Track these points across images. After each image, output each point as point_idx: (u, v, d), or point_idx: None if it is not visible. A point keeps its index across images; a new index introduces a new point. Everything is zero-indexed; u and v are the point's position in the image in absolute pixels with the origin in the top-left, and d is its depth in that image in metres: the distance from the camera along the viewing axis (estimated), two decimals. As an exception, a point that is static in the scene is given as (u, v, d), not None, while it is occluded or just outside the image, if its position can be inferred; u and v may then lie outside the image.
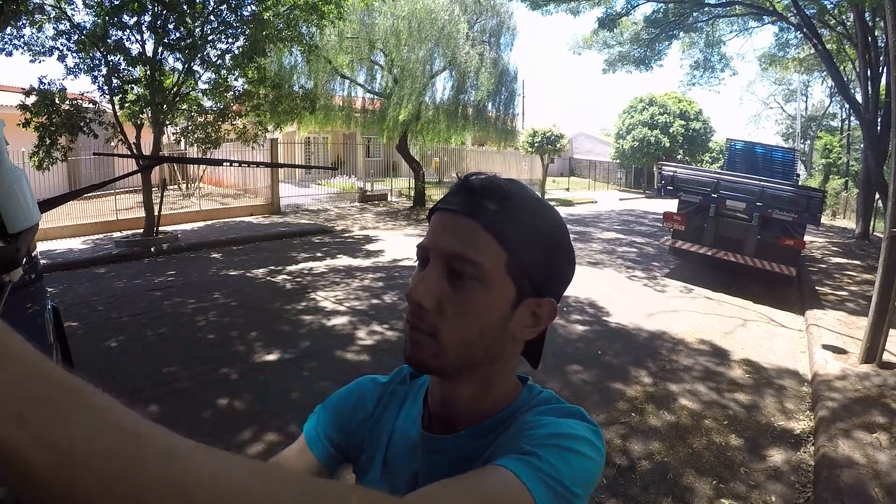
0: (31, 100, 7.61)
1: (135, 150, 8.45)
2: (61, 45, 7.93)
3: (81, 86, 19.50)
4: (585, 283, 7.02)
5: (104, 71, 8.10)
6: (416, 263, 0.61)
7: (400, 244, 9.49)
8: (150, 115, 8.34)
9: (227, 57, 8.93)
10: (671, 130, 25.93)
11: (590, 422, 0.59)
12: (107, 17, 7.74)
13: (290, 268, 7.43)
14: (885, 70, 10.99)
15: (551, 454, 0.50)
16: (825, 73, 18.45)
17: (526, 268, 0.57)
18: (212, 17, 8.57)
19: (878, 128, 11.10)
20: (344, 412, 0.72)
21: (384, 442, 0.69)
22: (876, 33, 11.66)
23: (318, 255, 8.43)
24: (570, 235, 0.62)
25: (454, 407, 0.62)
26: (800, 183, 10.21)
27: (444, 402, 0.63)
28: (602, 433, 0.59)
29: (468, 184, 0.59)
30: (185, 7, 8.04)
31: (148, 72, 8.14)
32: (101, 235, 9.52)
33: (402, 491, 0.65)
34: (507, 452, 0.52)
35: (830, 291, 7.03)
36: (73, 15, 8.09)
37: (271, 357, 4.22)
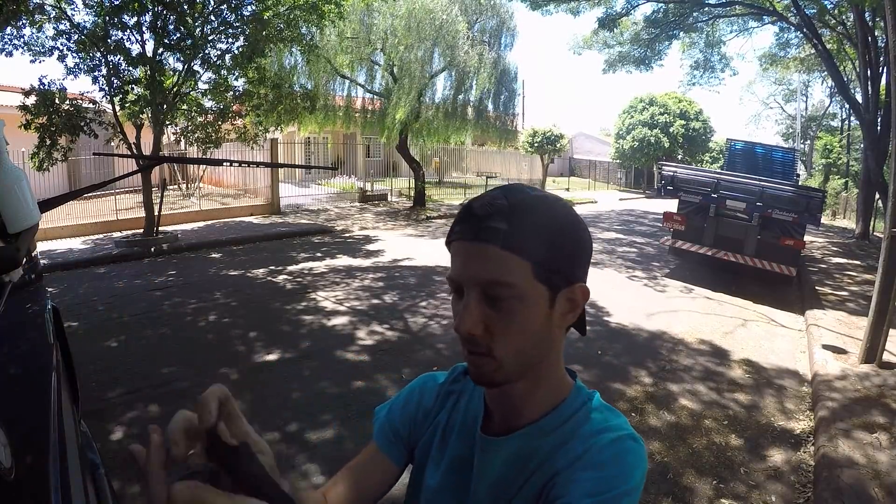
0: (31, 100, 7.61)
1: (135, 150, 8.45)
2: (61, 45, 7.93)
3: (81, 86, 19.55)
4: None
5: (104, 71, 8.10)
6: (450, 295, 0.65)
7: (400, 244, 9.50)
8: (150, 115, 8.34)
9: (227, 57, 8.93)
10: (671, 130, 25.93)
11: (636, 439, 0.61)
12: (107, 17, 7.74)
13: (290, 268, 7.43)
14: (885, 70, 11.00)
15: None
16: (825, 73, 18.46)
17: (551, 268, 0.60)
18: (212, 17, 8.57)
19: (878, 128, 11.10)
20: (410, 411, 0.78)
21: (437, 437, 0.74)
22: (876, 33, 11.66)
23: (318, 255, 8.43)
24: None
25: (511, 400, 0.67)
26: (800, 183, 10.21)
27: (501, 394, 0.67)
28: (644, 445, 0.63)
29: (472, 211, 0.62)
30: (185, 7, 8.04)
31: (148, 72, 8.14)
32: (101, 235, 9.51)
33: (440, 473, 0.71)
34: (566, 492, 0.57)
35: (830, 291, 7.03)
36: (73, 15, 8.10)
37: (271, 357, 4.22)
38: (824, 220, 12.57)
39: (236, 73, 9.20)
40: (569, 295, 0.63)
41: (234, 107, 9.57)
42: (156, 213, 8.87)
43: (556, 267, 0.60)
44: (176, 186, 14.70)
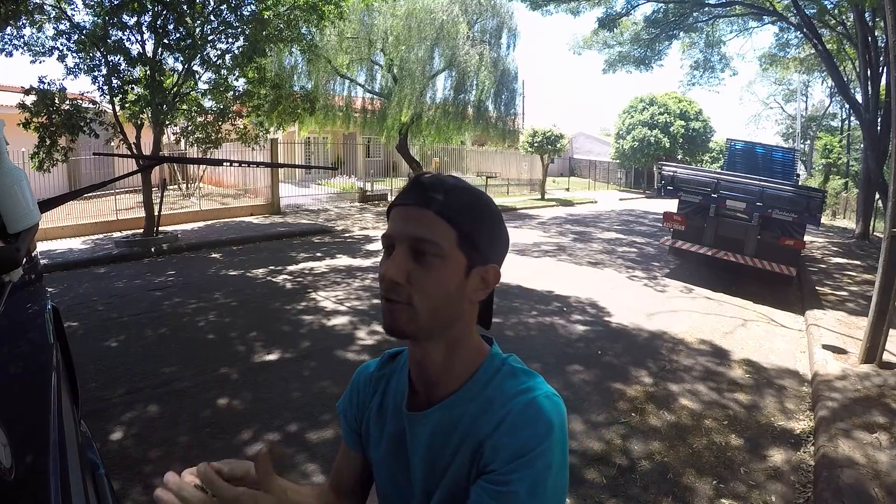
0: (31, 99, 7.60)
1: (135, 150, 8.44)
2: (61, 45, 7.93)
3: (81, 86, 19.54)
4: (586, 283, 7.02)
5: (104, 71, 8.10)
6: (382, 251, 0.73)
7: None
8: (150, 115, 8.34)
9: (227, 57, 8.93)
10: (671, 130, 25.94)
11: (549, 396, 0.67)
12: (107, 17, 7.74)
13: (290, 268, 7.43)
14: (885, 70, 10.99)
15: (522, 483, 0.61)
16: (825, 73, 18.45)
17: (473, 240, 0.69)
18: (212, 17, 8.57)
19: (878, 128, 11.10)
20: (354, 402, 0.85)
21: (373, 418, 0.81)
22: (876, 33, 11.67)
23: (318, 254, 8.43)
24: (505, 221, 0.76)
25: (429, 370, 0.73)
26: (800, 183, 10.20)
27: (419, 366, 0.74)
28: (561, 398, 0.69)
29: (419, 181, 0.71)
30: (185, 7, 8.04)
31: (148, 72, 8.14)
32: (101, 235, 9.51)
33: (382, 451, 0.78)
34: (481, 458, 0.66)
35: (830, 291, 7.03)
36: (73, 15, 8.11)
37: (271, 357, 4.22)
38: (824, 220, 12.57)
39: (236, 74, 9.20)
40: (482, 273, 0.71)
41: (234, 107, 9.57)
42: (156, 213, 8.87)
43: (476, 242, 0.69)
44: (176, 186, 14.70)
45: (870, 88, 11.37)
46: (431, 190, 0.70)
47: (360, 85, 14.41)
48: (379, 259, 6.32)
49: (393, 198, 0.74)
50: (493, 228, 0.72)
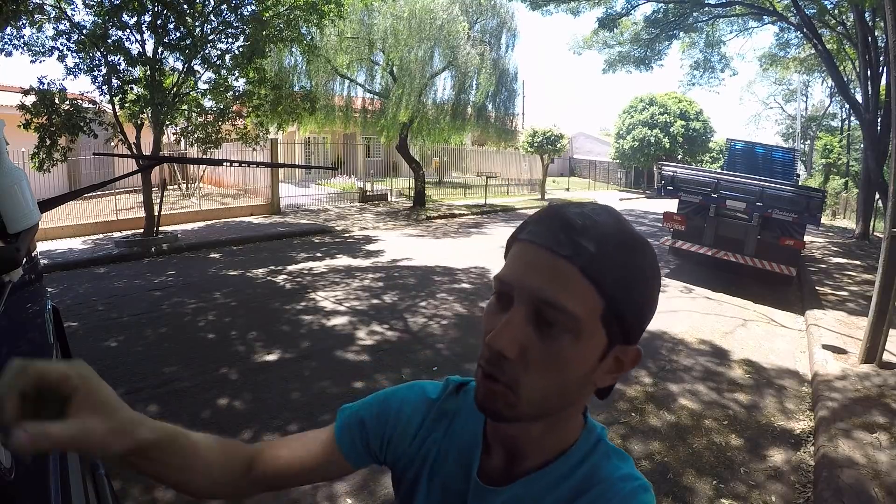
0: (31, 99, 7.60)
1: (135, 150, 8.44)
2: (61, 45, 7.92)
3: (81, 86, 19.55)
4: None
5: (104, 71, 8.09)
6: (492, 296, 0.55)
7: (400, 244, 9.49)
8: (150, 115, 8.34)
9: (227, 57, 8.93)
10: (671, 130, 25.93)
11: (648, 489, 0.57)
12: (107, 17, 7.73)
13: (290, 268, 7.43)
14: (885, 70, 10.99)
15: None
16: (825, 73, 18.46)
17: (622, 317, 0.52)
18: (212, 17, 8.56)
19: (878, 128, 11.10)
20: (389, 424, 0.68)
21: (429, 462, 0.66)
22: (876, 33, 11.67)
23: (318, 255, 8.43)
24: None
25: (516, 444, 0.60)
26: (800, 183, 10.21)
27: (508, 438, 0.60)
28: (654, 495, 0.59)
29: (565, 217, 0.52)
30: (185, 7, 8.03)
31: (148, 72, 8.14)
32: (101, 235, 9.51)
33: (427, 500, 0.65)
34: None
35: (830, 291, 7.03)
36: (73, 15, 8.09)
37: (271, 357, 4.22)
38: (824, 220, 12.57)
39: (236, 73, 9.20)
40: (620, 354, 0.55)
41: (234, 107, 9.57)
42: (156, 213, 8.87)
43: (626, 319, 0.53)
44: (176, 186, 14.70)
45: (870, 88, 11.37)
46: (581, 234, 0.51)
47: (359, 85, 14.41)
48: (379, 258, 6.30)
49: (518, 227, 0.56)
50: (649, 301, 0.54)
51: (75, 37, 7.97)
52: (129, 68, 8.28)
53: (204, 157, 9.60)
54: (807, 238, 8.46)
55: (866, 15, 11.11)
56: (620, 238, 0.52)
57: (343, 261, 7.98)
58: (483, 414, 0.55)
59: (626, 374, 0.63)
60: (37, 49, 7.90)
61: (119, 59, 8.13)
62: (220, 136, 9.37)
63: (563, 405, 0.55)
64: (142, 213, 9.08)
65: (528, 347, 0.51)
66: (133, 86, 8.38)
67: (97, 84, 8.18)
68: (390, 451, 0.68)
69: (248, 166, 12.26)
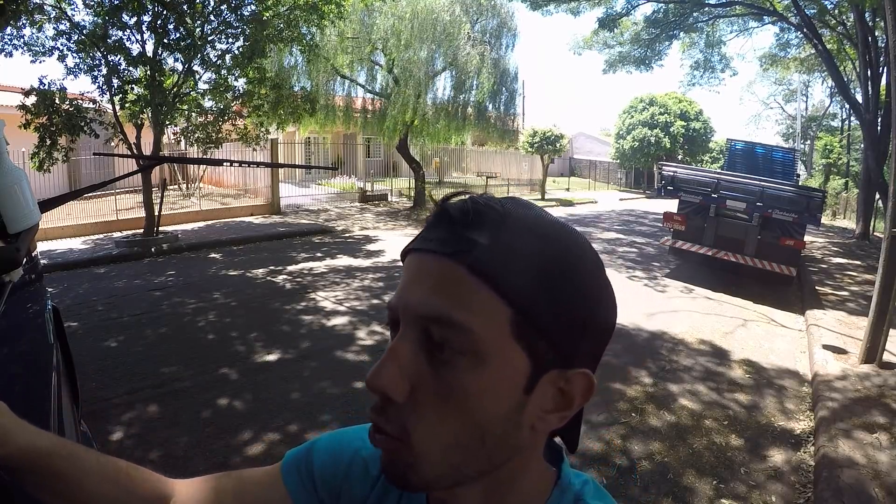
0: (31, 100, 7.60)
1: (135, 150, 8.44)
2: (61, 45, 7.93)
3: (81, 86, 19.55)
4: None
5: (104, 71, 8.10)
6: (386, 329, 0.45)
7: (400, 244, 9.45)
8: (150, 115, 8.34)
9: (227, 57, 8.93)
10: (671, 130, 25.93)
11: None
12: (107, 17, 7.74)
13: (290, 268, 7.43)
14: (885, 70, 10.99)
15: None
16: (825, 73, 18.46)
17: (543, 327, 0.38)
18: (212, 17, 8.57)
19: (878, 128, 11.10)
20: (337, 471, 0.55)
21: None
22: (876, 33, 11.67)
23: (318, 255, 8.43)
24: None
25: None
26: (800, 183, 10.21)
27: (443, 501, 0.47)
28: None
29: (449, 210, 0.40)
30: (185, 7, 8.04)
31: (148, 72, 8.14)
32: (101, 235, 9.51)
33: None
34: None
35: (830, 291, 7.03)
36: (73, 15, 8.10)
37: (271, 357, 4.22)
38: (824, 220, 12.55)
39: (236, 73, 9.20)
40: (560, 383, 0.40)
41: (235, 107, 9.57)
42: (156, 213, 8.87)
43: (550, 328, 0.38)
44: (176, 186, 14.70)
45: (870, 88, 11.37)
46: (467, 225, 0.39)
47: (360, 85, 14.42)
48: (379, 258, 6.31)
49: (416, 234, 0.44)
50: (589, 299, 0.40)
51: (75, 37, 7.98)
52: (130, 68, 8.28)
53: (204, 157, 9.60)
54: (807, 238, 8.46)
55: (866, 15, 11.11)
56: (525, 224, 0.39)
57: (343, 261, 7.98)
58: (392, 484, 0.41)
59: (585, 403, 0.42)
60: (37, 49, 7.90)
61: (119, 60, 8.14)
62: (220, 136, 9.37)
63: (489, 462, 0.40)
64: (142, 213, 9.08)
65: (419, 382, 0.38)
66: (133, 86, 8.38)
67: (97, 84, 8.19)
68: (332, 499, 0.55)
69: (248, 166, 12.26)
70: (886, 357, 4.27)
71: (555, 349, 0.39)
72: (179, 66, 8.78)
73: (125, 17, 7.95)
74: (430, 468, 0.39)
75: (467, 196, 0.42)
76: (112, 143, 8.54)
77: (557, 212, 16.35)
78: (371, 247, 9.24)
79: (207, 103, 9.42)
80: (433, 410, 0.38)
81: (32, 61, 7.93)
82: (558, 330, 0.39)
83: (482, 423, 0.38)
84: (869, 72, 11.40)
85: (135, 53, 8.16)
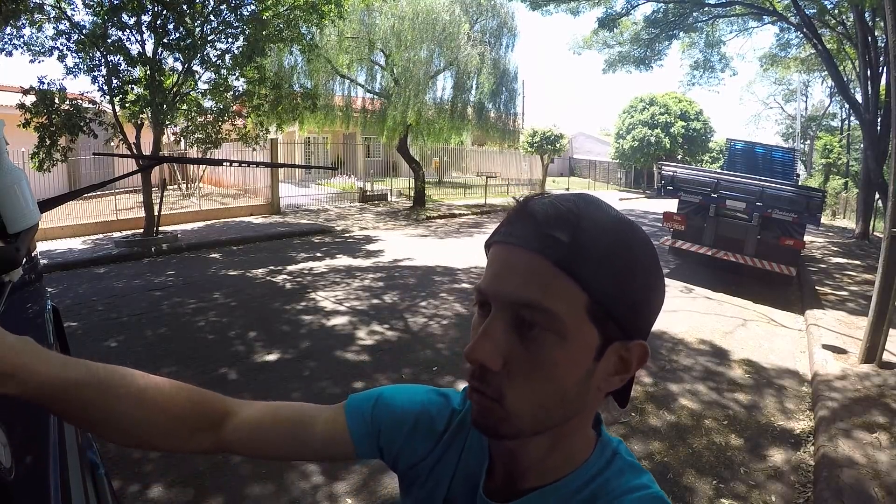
0: (30, 99, 7.60)
1: (135, 150, 8.44)
2: (61, 45, 7.92)
3: (81, 86, 19.53)
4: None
5: (104, 71, 8.10)
6: (474, 308, 0.52)
7: (400, 244, 9.49)
8: (149, 115, 8.34)
9: (227, 57, 8.93)
10: (671, 130, 25.94)
11: (660, 494, 0.52)
12: (106, 17, 7.74)
13: (290, 268, 7.43)
14: (885, 70, 10.99)
15: None
16: (825, 73, 18.45)
17: (611, 309, 0.47)
18: (212, 17, 8.56)
19: (878, 128, 11.10)
20: (403, 424, 0.64)
21: (445, 485, 0.62)
22: (876, 33, 11.67)
23: (318, 255, 8.43)
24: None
25: (520, 463, 0.55)
26: (800, 183, 10.21)
27: (508, 455, 0.56)
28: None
29: (529, 209, 0.49)
30: (185, 7, 8.03)
31: (148, 72, 8.14)
32: (101, 235, 9.52)
33: None
34: None
35: (830, 291, 7.03)
36: (73, 15, 8.10)
37: (271, 357, 4.22)
38: (824, 220, 12.58)
39: (236, 73, 9.20)
40: (622, 352, 0.51)
41: (234, 107, 9.57)
42: (156, 213, 8.87)
43: (618, 311, 0.48)
44: (176, 186, 14.70)
45: (870, 88, 11.37)
46: (549, 225, 0.47)
47: (360, 85, 14.42)
48: (379, 258, 6.31)
49: (493, 231, 0.53)
50: (646, 288, 0.50)
51: (75, 37, 7.97)
52: (129, 68, 8.28)
53: (204, 157, 9.60)
54: (807, 238, 8.46)
55: (866, 15, 11.11)
56: (599, 224, 0.47)
57: (343, 261, 7.98)
58: (481, 432, 0.52)
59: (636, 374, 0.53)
60: (37, 49, 7.90)
61: (119, 60, 8.14)
62: (220, 136, 9.37)
63: (564, 416, 0.50)
64: (142, 213, 9.08)
65: (511, 355, 0.47)
66: (133, 86, 8.38)
67: (97, 84, 8.19)
68: (404, 454, 0.64)
69: (248, 166, 12.26)
70: (886, 357, 4.27)
71: (619, 326, 0.49)
72: (179, 66, 8.78)
73: (125, 17, 7.95)
74: (520, 422, 0.49)
75: (546, 198, 0.50)
76: (112, 143, 8.54)
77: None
78: (371, 247, 9.24)
79: (207, 103, 9.42)
80: (523, 378, 0.48)
81: (32, 61, 7.93)
82: (623, 311, 0.48)
83: (563, 386, 0.48)
84: (869, 72, 11.40)
85: (134, 53, 8.16)
